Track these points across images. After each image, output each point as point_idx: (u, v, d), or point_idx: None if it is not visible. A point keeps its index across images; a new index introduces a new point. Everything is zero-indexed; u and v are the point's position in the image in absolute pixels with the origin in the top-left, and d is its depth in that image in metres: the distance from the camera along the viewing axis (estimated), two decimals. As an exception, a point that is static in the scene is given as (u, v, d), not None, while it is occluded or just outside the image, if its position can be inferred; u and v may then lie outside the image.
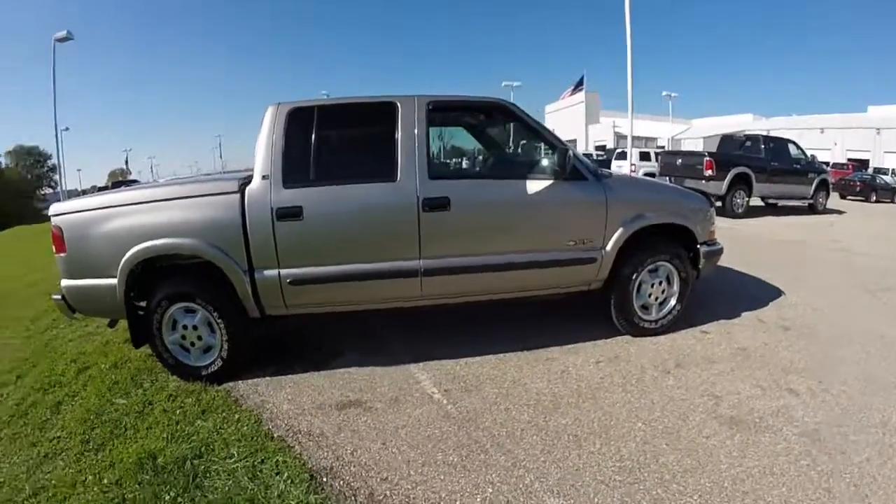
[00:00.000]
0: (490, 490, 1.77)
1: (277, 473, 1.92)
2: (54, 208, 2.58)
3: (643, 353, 2.86)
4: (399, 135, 2.56)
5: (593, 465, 1.89)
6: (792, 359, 2.79)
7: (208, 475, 1.94)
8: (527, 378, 2.57)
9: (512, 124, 3.25)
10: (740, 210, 9.01)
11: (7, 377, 2.96)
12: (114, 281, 2.45)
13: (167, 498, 1.83)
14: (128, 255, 2.41)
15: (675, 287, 3.05)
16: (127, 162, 51.60)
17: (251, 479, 1.90)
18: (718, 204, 9.27)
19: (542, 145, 3.01)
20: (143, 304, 2.59)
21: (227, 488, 1.86)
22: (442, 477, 1.85)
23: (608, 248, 2.82)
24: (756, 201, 9.76)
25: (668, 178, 10.24)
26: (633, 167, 15.10)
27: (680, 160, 9.96)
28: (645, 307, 3.05)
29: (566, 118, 37.11)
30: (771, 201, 10.02)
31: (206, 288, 2.49)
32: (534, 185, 2.68)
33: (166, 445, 2.12)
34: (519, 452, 1.97)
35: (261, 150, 2.50)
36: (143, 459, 2.03)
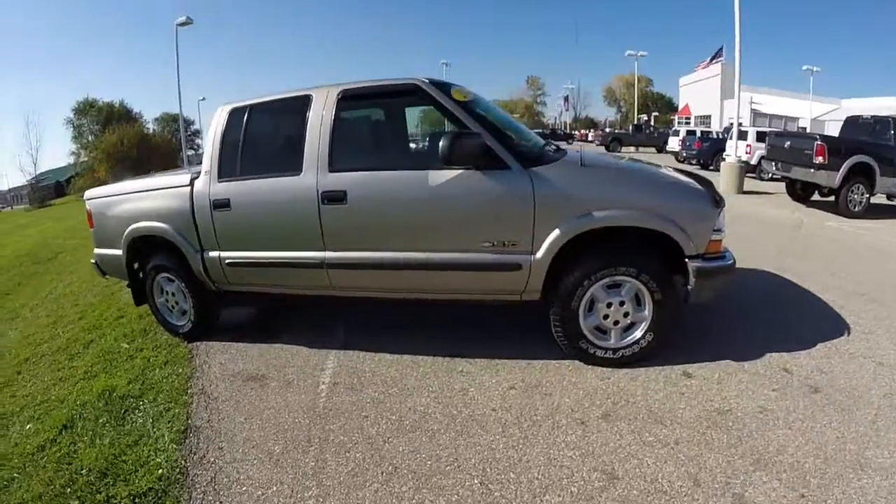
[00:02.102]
0: (273, 488, 1.74)
1: (168, 422, 2.25)
2: (87, 194, 3.37)
3: (574, 389, 2.30)
4: (308, 127, 2.56)
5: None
6: (791, 448, 1.82)
7: (132, 412, 2.40)
8: (419, 388, 2.35)
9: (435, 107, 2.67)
10: (857, 208, 6.89)
11: (73, 318, 3.99)
12: (120, 251, 3.08)
13: (100, 421, 2.34)
14: (125, 232, 3.04)
15: (647, 311, 2.37)
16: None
17: (152, 423, 2.27)
18: (831, 198, 7.09)
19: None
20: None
21: (133, 425, 2.28)
22: (256, 464, 1.89)
23: (539, 253, 2.32)
24: (882, 199, 7.49)
25: (774, 164, 8.12)
26: (748, 149, 12.24)
27: (788, 143, 7.72)
28: (601, 330, 2.44)
29: (700, 92, 32.45)
30: None
31: (176, 264, 2.96)
32: (438, 177, 2.36)
33: (126, 384, 2.67)
34: (329, 467, 1.84)
35: (206, 147, 2.85)
36: (106, 391, 2.60)
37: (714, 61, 25.61)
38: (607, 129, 34.24)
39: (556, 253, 2.31)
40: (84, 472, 1.96)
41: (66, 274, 5.99)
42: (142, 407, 2.43)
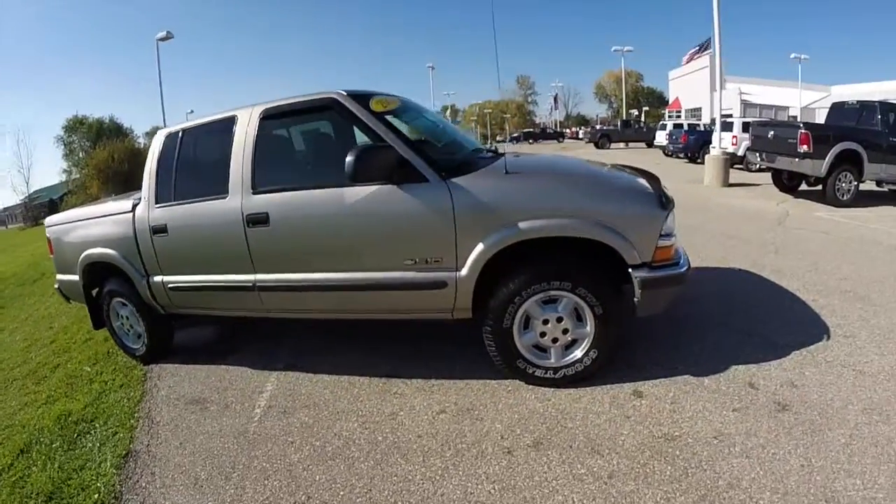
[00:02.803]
0: None
1: (112, 447, 2.41)
2: (47, 221, 3.54)
3: (509, 412, 2.21)
4: (233, 149, 2.59)
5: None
6: (746, 480, 1.66)
7: (83, 436, 2.55)
8: (349, 412, 2.38)
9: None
10: (845, 197, 6.91)
11: (46, 341, 4.17)
12: (77, 277, 3.24)
13: (54, 445, 2.50)
14: (80, 258, 3.17)
15: (589, 327, 2.25)
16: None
17: (98, 448, 2.43)
18: (818, 188, 7.04)
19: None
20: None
21: (83, 449, 2.43)
22: (181, 490, 2.00)
23: (464, 270, 2.22)
24: (871, 185, 7.44)
25: (758, 155, 8.18)
26: (734, 140, 12.34)
27: (772, 132, 7.65)
28: (541, 349, 2.33)
29: (690, 85, 32.95)
30: (891, 188, 7.13)
31: (127, 289, 3.09)
32: (354, 194, 2.29)
33: (82, 408, 2.82)
34: (247, 494, 1.92)
35: (145, 173, 2.92)
36: (63, 415, 2.76)
37: (702, 53, 25.60)
38: (598, 126, 34.33)
39: (483, 268, 2.21)
40: (33, 495, 2.11)
41: (48, 296, 6.14)
42: (93, 431, 2.58)
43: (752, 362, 2.46)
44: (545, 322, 2.28)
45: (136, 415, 2.68)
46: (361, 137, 2.61)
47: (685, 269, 2.31)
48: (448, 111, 70.88)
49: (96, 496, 2.06)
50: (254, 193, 2.52)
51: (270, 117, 2.62)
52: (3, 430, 2.78)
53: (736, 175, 10.34)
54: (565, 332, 2.29)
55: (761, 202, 7.40)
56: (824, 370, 2.36)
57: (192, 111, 36.85)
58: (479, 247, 2.19)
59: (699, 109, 31.58)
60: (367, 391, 2.57)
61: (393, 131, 2.37)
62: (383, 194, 2.27)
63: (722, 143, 10.64)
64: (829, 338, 2.69)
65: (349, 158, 2.12)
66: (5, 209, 41.11)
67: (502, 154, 2.93)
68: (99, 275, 3.21)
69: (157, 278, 2.93)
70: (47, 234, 3.46)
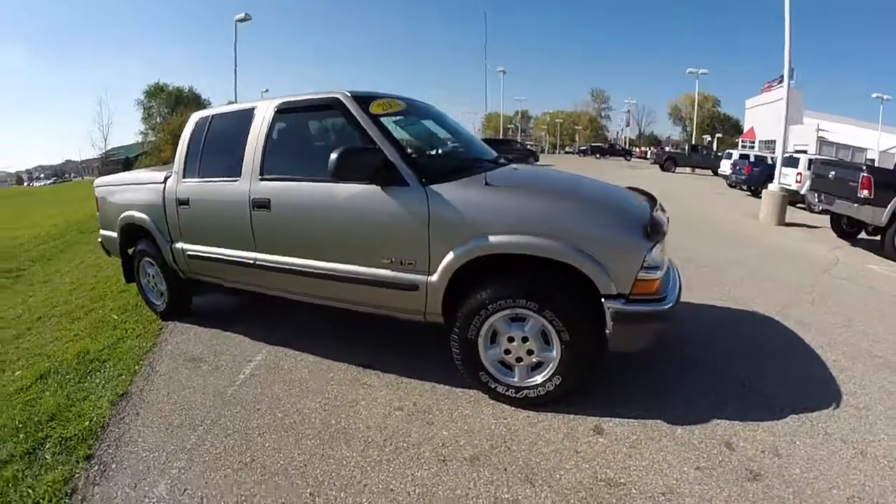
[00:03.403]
0: (156, 453, 2.02)
1: (114, 386, 2.70)
2: (96, 182, 3.96)
3: (461, 422, 2.20)
4: (248, 137, 2.80)
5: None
6: None
7: (93, 374, 2.87)
8: (317, 392, 2.50)
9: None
10: None
11: (88, 287, 4.66)
12: (116, 234, 3.62)
13: (68, 376, 2.84)
14: (119, 218, 3.55)
15: (555, 352, 2.17)
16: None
17: (102, 385, 2.72)
18: (877, 237, 6.30)
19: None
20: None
21: (90, 384, 2.74)
22: (155, 431, 2.22)
23: (434, 276, 2.25)
24: None
25: (817, 195, 7.47)
26: (798, 177, 11.34)
27: (832, 173, 6.95)
28: (506, 365, 2.30)
29: (765, 115, 30.61)
30: None
31: (155, 250, 3.41)
32: (344, 190, 2.40)
33: (100, 349, 3.17)
34: (204, 447, 2.08)
35: (178, 149, 3.23)
36: (82, 353, 3.12)
37: (781, 84, 23.99)
38: (667, 148, 33.05)
39: (456, 277, 2.22)
40: (39, 414, 2.42)
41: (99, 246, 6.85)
42: (102, 370, 2.90)
43: (739, 419, 2.22)
44: (510, 340, 2.24)
45: (141, 362, 2.97)
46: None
47: (669, 306, 2.12)
48: (517, 116, 71.15)
49: (87, 423, 2.33)
50: (261, 180, 2.71)
51: (283, 111, 2.79)
52: (32, 357, 3.17)
53: (796, 214, 9.59)
54: (530, 352, 2.23)
55: (813, 246, 6.80)
56: (819, 442, 2.07)
57: (266, 90, 39.21)
58: (450, 255, 2.20)
59: (773, 142, 29.73)
60: (340, 377, 2.68)
61: (384, 134, 2.43)
62: (367, 194, 2.35)
63: (785, 179, 9.87)
64: (837, 406, 2.38)
65: (332, 157, 2.20)
66: (83, 162, 45.39)
67: (509, 163, 2.97)
68: (133, 235, 3.58)
69: (179, 245, 3.22)
70: (95, 193, 3.90)
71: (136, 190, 3.49)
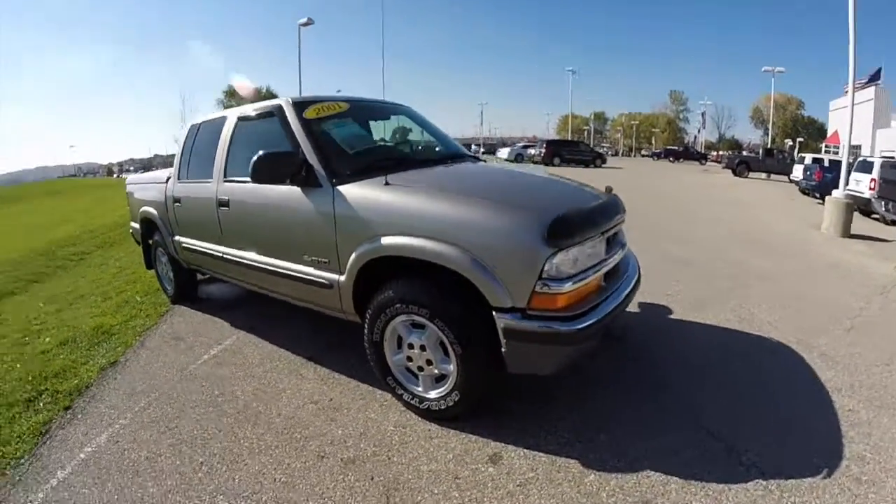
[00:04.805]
0: (112, 410, 2.44)
1: (110, 355, 3.23)
2: (127, 179, 4.63)
3: (361, 424, 2.25)
4: (219, 142, 3.12)
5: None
6: None
7: (100, 344, 3.45)
8: (258, 377, 2.75)
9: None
10: None
11: (129, 272, 5.45)
12: (138, 226, 4.28)
13: (82, 344, 3.45)
14: (139, 212, 4.19)
15: (453, 365, 2.06)
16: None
17: (103, 353, 3.28)
18: None
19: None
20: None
21: (95, 352, 3.31)
22: (119, 393, 2.64)
23: (344, 275, 2.29)
24: None
25: (884, 204, 6.58)
26: (872, 184, 9.83)
27: None
28: (413, 373, 2.26)
29: (849, 118, 26.44)
30: None
31: (163, 242, 3.97)
32: (273, 191, 2.56)
33: (113, 325, 3.79)
34: (147, 411, 2.46)
35: (176, 154, 3.72)
36: (99, 327, 3.75)
37: (868, 84, 20.98)
38: (744, 152, 30.57)
39: (367, 276, 2.25)
40: (48, 371, 2.99)
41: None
42: (107, 342, 3.46)
43: (680, 475, 1.82)
44: (411, 346, 2.19)
45: (138, 338, 3.51)
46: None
47: (581, 327, 1.84)
48: (592, 118, 69.28)
49: (76, 382, 2.86)
50: (224, 181, 3.05)
51: (243, 119, 3.06)
52: (64, 327, 3.85)
53: (867, 225, 8.44)
54: (430, 363, 2.15)
55: (874, 262, 5.83)
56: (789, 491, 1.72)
57: (339, 90, 41.72)
58: (353, 256, 2.23)
59: (859, 147, 26.15)
60: (282, 366, 2.91)
61: (309, 137, 2.51)
62: (290, 194, 2.47)
63: (857, 185, 8.77)
64: (829, 475, 1.84)
65: (252, 161, 2.32)
66: (169, 156, 50.94)
67: (476, 160, 3.04)
68: (149, 227, 4.18)
69: (177, 238, 3.73)
70: (126, 190, 4.57)
71: (149, 188, 4.08)
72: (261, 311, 3.82)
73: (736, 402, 2.39)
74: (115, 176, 68.02)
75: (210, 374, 2.88)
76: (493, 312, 1.88)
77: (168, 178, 3.78)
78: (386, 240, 2.11)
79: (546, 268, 1.81)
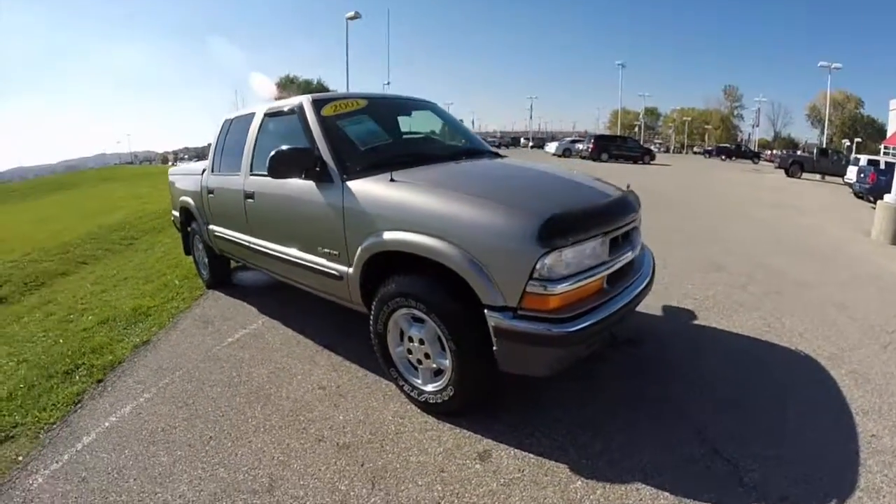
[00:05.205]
0: (140, 385, 2.59)
1: (144, 335, 3.40)
2: (170, 170, 4.86)
3: (361, 411, 2.29)
4: (247, 138, 3.25)
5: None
6: None
7: (137, 324, 3.65)
8: (273, 361, 2.83)
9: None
10: None
11: (172, 256, 5.73)
12: (178, 214, 4.49)
13: (120, 324, 3.67)
14: (178, 201, 4.39)
15: (448, 360, 2.06)
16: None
17: (138, 333, 3.46)
18: None
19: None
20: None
21: (130, 330, 3.51)
22: (146, 369, 2.77)
23: (352, 268, 2.36)
24: None
25: None
26: None
27: None
28: (413, 365, 2.28)
29: None
30: None
31: (199, 229, 4.17)
32: (291, 185, 2.64)
33: (151, 306, 4.00)
34: (171, 385, 2.57)
35: (210, 147, 3.87)
36: (137, 307, 3.97)
37: None
38: (798, 152, 28.67)
39: (372, 270, 2.29)
40: (86, 347, 3.19)
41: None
42: (143, 322, 3.67)
43: (675, 492, 1.72)
44: (411, 339, 2.21)
45: (172, 320, 3.69)
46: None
47: (573, 329, 1.77)
48: (643, 113, 67.32)
49: (111, 358, 3.03)
50: (251, 175, 3.17)
51: (269, 115, 3.16)
52: (106, 307, 4.11)
53: None
54: (427, 356, 2.17)
55: None
56: None
57: (388, 83, 41.94)
58: (359, 249, 2.29)
59: None
60: (299, 352, 2.97)
61: (325, 133, 2.59)
62: (305, 188, 2.56)
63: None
64: None
65: (269, 157, 2.41)
66: None
67: (495, 156, 3.01)
68: (188, 216, 4.38)
69: (211, 226, 3.89)
70: (169, 179, 4.81)
71: (188, 179, 4.28)
72: (287, 298, 3.89)
73: (747, 419, 2.20)
74: (169, 163, 71.39)
75: (231, 356, 2.97)
76: (485, 310, 1.87)
77: (203, 171, 3.94)
78: (388, 235, 2.15)
79: (538, 267, 1.77)
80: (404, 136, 3.34)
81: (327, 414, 2.30)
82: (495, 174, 2.69)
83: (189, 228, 4.46)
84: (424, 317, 2.09)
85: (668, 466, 1.87)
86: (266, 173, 2.85)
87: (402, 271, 2.19)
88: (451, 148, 3.31)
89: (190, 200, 4.16)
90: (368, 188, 2.32)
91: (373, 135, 3.07)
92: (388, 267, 2.26)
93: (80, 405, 2.51)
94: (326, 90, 45.80)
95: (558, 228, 1.82)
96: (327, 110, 2.74)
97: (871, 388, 2.51)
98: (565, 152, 30.89)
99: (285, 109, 2.97)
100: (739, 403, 2.33)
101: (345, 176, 2.42)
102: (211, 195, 3.75)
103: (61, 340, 3.40)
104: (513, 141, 59.62)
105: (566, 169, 2.91)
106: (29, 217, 14.36)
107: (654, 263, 2.63)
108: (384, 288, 2.23)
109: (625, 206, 2.29)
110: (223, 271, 4.33)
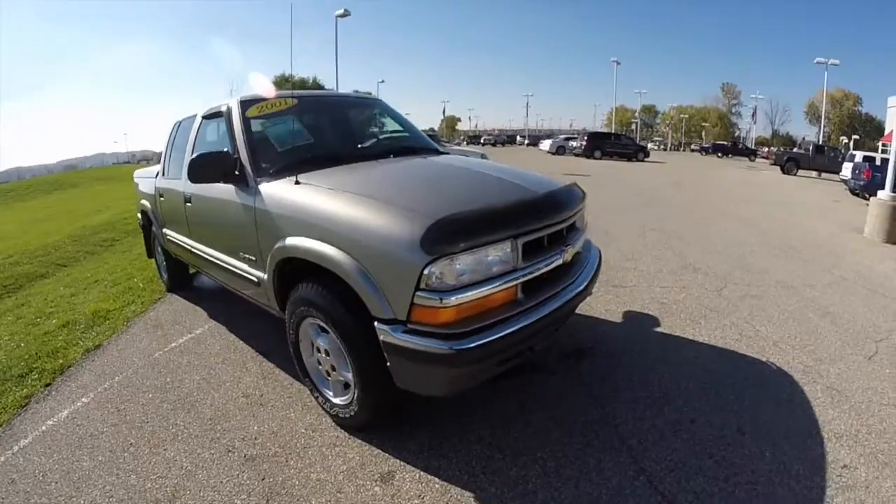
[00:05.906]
0: (83, 388, 2.79)
1: (98, 338, 3.65)
2: (134, 173, 5.04)
3: (277, 421, 2.34)
4: (189, 140, 3.31)
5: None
6: None
7: (94, 327, 3.87)
8: (211, 366, 3.00)
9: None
10: None
11: (143, 260, 5.93)
12: (140, 215, 4.71)
13: (79, 327, 3.90)
14: (139, 203, 4.59)
15: (352, 373, 1.99)
16: (444, 111, 67.95)
17: (93, 336, 3.69)
18: None
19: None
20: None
21: (87, 334, 3.74)
22: (90, 373, 2.99)
23: (267, 273, 2.31)
24: None
25: None
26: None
27: None
28: (325, 377, 2.24)
29: None
30: None
31: (157, 234, 4.35)
32: (216, 189, 2.66)
33: (111, 310, 4.23)
34: (110, 388, 2.77)
35: (162, 151, 4.03)
36: (98, 311, 4.20)
37: None
38: (795, 149, 28.66)
39: (279, 276, 2.25)
40: (44, 351, 3.42)
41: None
42: (100, 326, 3.89)
43: None
44: (318, 350, 2.17)
45: (126, 324, 3.93)
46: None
47: (462, 348, 1.62)
48: (639, 110, 66.82)
49: (62, 362, 3.27)
50: (188, 179, 3.17)
51: (206, 118, 3.22)
52: (70, 310, 4.35)
53: None
54: (334, 368, 2.11)
55: None
56: None
57: (382, 80, 42.47)
58: (269, 254, 2.24)
59: None
60: (235, 358, 3.13)
61: (246, 136, 2.59)
62: (227, 192, 2.55)
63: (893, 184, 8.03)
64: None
65: (189, 161, 2.45)
66: None
67: (438, 153, 3.00)
68: (147, 218, 4.55)
69: (164, 229, 4.05)
70: (134, 181, 4.98)
71: (146, 182, 4.43)
72: (237, 302, 4.05)
73: (694, 446, 2.00)
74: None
75: (170, 362, 3.18)
76: (375, 323, 1.76)
77: (157, 173, 4.11)
78: (290, 240, 2.09)
79: (425, 276, 1.62)
80: (343, 136, 3.26)
81: (243, 424, 2.38)
82: (411, 173, 2.55)
83: (150, 231, 4.66)
84: (326, 327, 2.03)
85: (593, 501, 1.72)
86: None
87: (308, 278, 2.10)
88: (378, 146, 3.23)
89: (147, 203, 4.35)
90: (275, 191, 2.28)
91: (296, 135, 2.92)
92: (300, 273, 2.17)
93: (25, 408, 2.75)
94: (322, 87, 45.72)
95: (448, 232, 1.67)
96: (252, 111, 2.73)
97: (848, 408, 2.30)
98: (559, 150, 31.23)
99: (216, 112, 3.02)
100: (689, 429, 2.13)
101: (258, 179, 2.40)
102: (162, 198, 3.91)
103: (23, 344, 3.64)
104: (509, 139, 59.77)
105: (509, 167, 2.73)
106: (23, 217, 14.62)
107: (599, 262, 2.48)
108: (293, 295, 2.17)
109: (552, 203, 2.07)
110: (182, 274, 4.54)
